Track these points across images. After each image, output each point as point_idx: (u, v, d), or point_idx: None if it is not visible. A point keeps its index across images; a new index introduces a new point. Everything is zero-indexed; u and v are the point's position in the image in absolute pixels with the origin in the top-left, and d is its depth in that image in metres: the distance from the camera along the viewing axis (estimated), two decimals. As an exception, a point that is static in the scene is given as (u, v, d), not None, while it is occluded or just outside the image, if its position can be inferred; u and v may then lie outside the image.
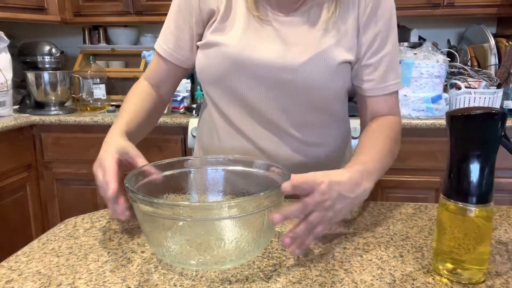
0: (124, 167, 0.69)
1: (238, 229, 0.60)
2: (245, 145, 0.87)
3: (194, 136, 1.79)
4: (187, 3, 0.83)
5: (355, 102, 1.77)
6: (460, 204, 0.52)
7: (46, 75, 2.11)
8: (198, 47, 0.86)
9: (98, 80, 2.25)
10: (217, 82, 0.83)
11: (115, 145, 0.69)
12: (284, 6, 0.80)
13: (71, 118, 1.98)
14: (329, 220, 0.60)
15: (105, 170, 0.64)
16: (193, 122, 1.85)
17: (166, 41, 0.86)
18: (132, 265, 0.58)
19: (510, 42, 1.97)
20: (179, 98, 2.07)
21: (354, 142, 0.94)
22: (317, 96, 0.81)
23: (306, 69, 0.78)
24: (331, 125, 0.89)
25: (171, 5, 0.87)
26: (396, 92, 0.85)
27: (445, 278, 0.54)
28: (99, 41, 2.51)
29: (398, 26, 0.85)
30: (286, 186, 0.57)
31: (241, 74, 0.80)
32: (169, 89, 0.92)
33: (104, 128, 1.99)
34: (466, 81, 1.87)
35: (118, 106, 2.26)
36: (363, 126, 0.88)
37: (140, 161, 0.68)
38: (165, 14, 0.87)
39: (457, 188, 0.52)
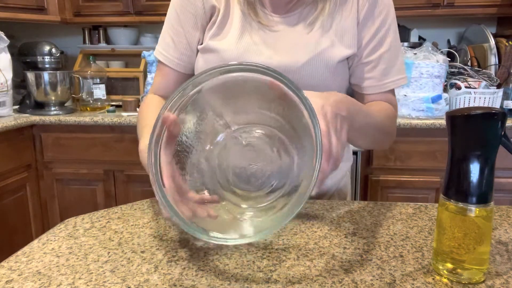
0: None
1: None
2: None
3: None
4: (191, 3, 0.82)
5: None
6: (460, 204, 0.52)
7: (46, 75, 2.11)
8: (198, 50, 0.85)
9: (98, 80, 2.25)
10: None
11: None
12: (278, 6, 0.80)
13: (71, 118, 1.98)
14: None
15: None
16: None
17: (170, 50, 0.84)
18: (132, 265, 0.58)
19: (510, 42, 1.97)
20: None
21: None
22: None
23: (307, 70, 0.78)
24: None
25: (168, 11, 0.85)
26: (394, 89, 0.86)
27: (445, 278, 0.54)
28: (99, 41, 2.51)
29: (398, 25, 0.86)
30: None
31: None
32: None
33: (104, 128, 1.99)
34: (466, 81, 1.87)
35: (118, 106, 2.26)
36: None
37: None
38: (165, 14, 0.86)
39: (457, 188, 0.52)
